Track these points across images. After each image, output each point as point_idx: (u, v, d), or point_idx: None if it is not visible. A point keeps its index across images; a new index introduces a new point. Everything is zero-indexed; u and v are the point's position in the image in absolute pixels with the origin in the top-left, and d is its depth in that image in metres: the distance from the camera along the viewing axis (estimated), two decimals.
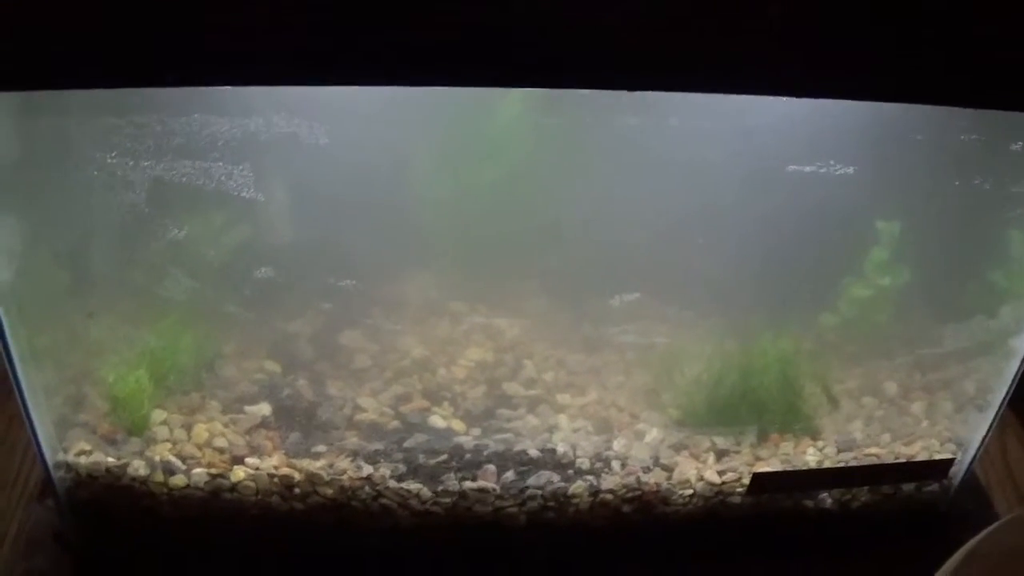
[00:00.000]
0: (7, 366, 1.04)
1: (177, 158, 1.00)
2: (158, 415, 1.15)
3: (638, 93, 0.93)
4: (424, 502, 1.14)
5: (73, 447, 1.13)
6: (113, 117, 0.97)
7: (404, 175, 1.07)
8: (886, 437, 1.24)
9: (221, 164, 1.01)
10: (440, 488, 1.14)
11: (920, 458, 1.23)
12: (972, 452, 1.26)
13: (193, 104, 0.97)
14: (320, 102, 0.98)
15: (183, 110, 0.97)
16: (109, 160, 1.00)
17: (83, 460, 1.12)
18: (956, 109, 1.01)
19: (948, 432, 1.26)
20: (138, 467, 1.12)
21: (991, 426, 1.24)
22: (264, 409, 1.16)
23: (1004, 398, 1.22)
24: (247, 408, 1.16)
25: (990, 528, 1.01)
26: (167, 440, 1.14)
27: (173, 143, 0.99)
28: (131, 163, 1.00)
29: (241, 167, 1.01)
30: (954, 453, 1.24)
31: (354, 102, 0.98)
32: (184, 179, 1.01)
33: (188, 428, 1.15)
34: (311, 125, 0.99)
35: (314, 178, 1.04)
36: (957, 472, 1.26)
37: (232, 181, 1.01)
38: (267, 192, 1.02)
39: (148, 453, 1.13)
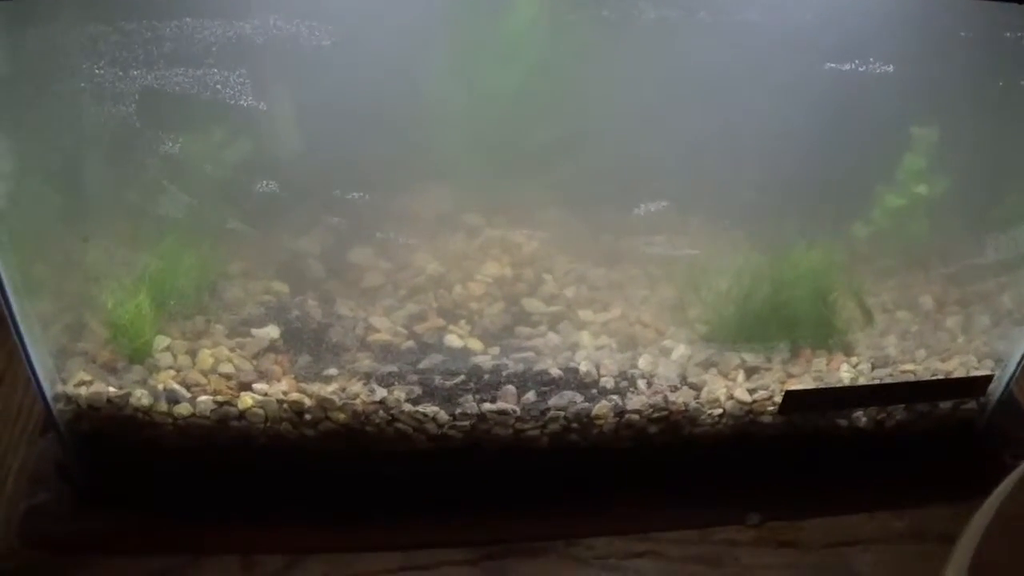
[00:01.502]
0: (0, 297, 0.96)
1: (169, 66, 0.93)
2: (161, 341, 1.08)
3: None
4: (441, 426, 1.07)
5: (72, 378, 1.05)
6: (99, 24, 0.90)
7: (414, 80, 0.98)
8: (921, 353, 1.17)
9: (216, 71, 0.93)
10: (458, 411, 1.06)
11: (957, 375, 1.16)
12: (1011, 369, 1.19)
13: (184, 6, 0.89)
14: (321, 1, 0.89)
15: (173, 13, 0.89)
16: (97, 71, 0.92)
17: (83, 391, 1.05)
18: (1004, 4, 0.93)
19: (986, 348, 1.18)
20: (141, 396, 1.05)
21: None
22: (272, 332, 1.09)
23: None
24: (254, 331, 1.09)
25: None
26: (171, 367, 1.07)
27: (164, 49, 0.92)
28: (120, 73, 0.92)
29: (237, 73, 0.93)
30: (992, 370, 1.16)
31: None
32: (177, 88, 0.93)
33: (192, 354, 1.08)
34: (312, 25, 0.90)
35: (317, 84, 0.96)
36: (995, 389, 1.19)
37: (228, 89, 0.94)
38: (267, 100, 0.94)
39: (151, 381, 1.06)
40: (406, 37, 0.95)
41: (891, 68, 0.96)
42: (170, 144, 0.97)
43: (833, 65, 0.95)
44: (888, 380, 1.14)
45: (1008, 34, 0.98)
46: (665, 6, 0.90)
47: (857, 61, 0.95)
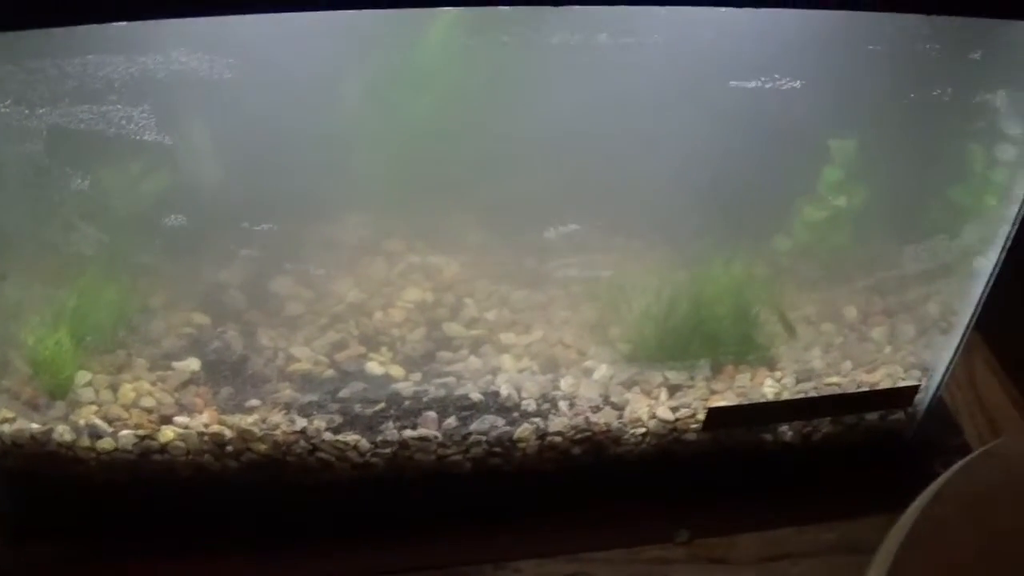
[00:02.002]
0: None
1: (75, 103, 0.91)
2: (82, 376, 1.07)
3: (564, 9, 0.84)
4: (363, 454, 1.06)
5: None
6: (4, 63, 0.88)
7: (325, 109, 0.97)
8: (847, 365, 1.16)
9: (120, 107, 0.91)
10: (379, 439, 1.06)
11: (883, 386, 1.16)
12: (938, 378, 1.18)
13: (87, 44, 0.88)
14: (223, 34, 0.88)
15: (77, 51, 0.88)
16: (3, 109, 0.90)
17: (7, 428, 1.04)
18: (910, 17, 0.93)
19: (912, 358, 1.18)
20: (63, 432, 1.04)
21: (957, 351, 1.17)
22: (193, 364, 1.07)
23: (969, 321, 1.15)
24: (175, 364, 1.08)
25: (958, 464, 0.93)
26: (92, 402, 1.06)
27: (69, 87, 0.90)
28: (27, 111, 0.90)
29: (141, 109, 0.91)
30: (919, 380, 1.17)
31: (260, 32, 0.89)
32: (83, 125, 0.92)
33: (114, 388, 1.07)
34: (213, 59, 0.89)
35: (225, 116, 0.95)
36: (923, 399, 1.18)
37: (133, 124, 0.92)
38: (173, 134, 0.93)
39: (73, 417, 1.05)
40: (313, 66, 0.93)
41: (798, 84, 0.95)
42: (79, 180, 0.95)
43: (737, 83, 0.94)
44: (812, 394, 1.13)
45: (918, 46, 0.97)
46: (565, 31, 0.90)
47: (763, 78, 0.95)
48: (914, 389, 1.16)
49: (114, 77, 0.90)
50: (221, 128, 0.96)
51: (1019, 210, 1.07)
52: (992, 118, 1.04)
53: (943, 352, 1.18)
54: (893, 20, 0.95)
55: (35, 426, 1.04)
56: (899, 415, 1.19)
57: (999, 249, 1.09)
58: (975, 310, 1.14)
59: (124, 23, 0.84)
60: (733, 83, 0.94)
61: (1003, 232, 1.09)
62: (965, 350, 1.19)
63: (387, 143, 1.01)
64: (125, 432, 1.04)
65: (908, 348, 1.18)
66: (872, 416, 1.17)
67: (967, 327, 1.15)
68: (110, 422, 1.05)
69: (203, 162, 0.97)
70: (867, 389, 1.15)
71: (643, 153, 1.01)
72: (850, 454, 1.19)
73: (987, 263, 1.11)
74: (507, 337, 1.12)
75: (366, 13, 0.85)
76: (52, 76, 0.89)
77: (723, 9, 0.88)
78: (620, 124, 0.99)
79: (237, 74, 0.90)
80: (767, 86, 0.95)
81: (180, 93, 0.91)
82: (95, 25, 0.85)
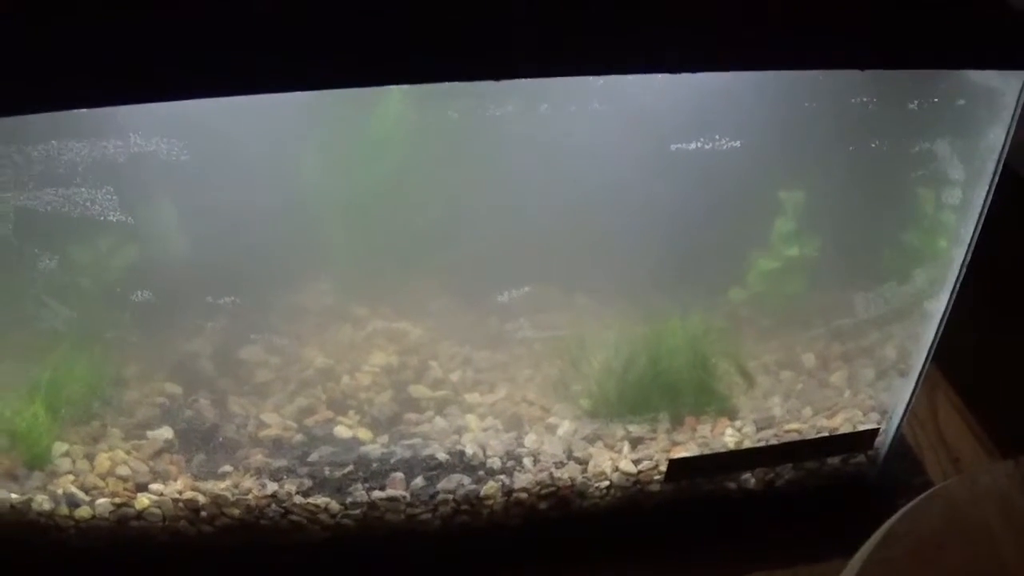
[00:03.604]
0: None
1: (40, 186, 0.92)
2: (59, 447, 1.07)
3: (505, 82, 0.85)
4: (334, 515, 1.06)
5: None
6: None
7: (282, 183, 0.98)
8: (807, 411, 1.17)
9: (84, 189, 0.92)
10: (349, 500, 1.06)
11: (843, 430, 1.16)
12: (897, 419, 1.19)
13: (49, 130, 0.89)
14: (177, 117, 0.89)
15: (40, 137, 0.89)
16: None
17: None
18: (843, 73, 0.95)
19: (871, 401, 1.18)
20: (42, 501, 1.05)
21: (914, 392, 1.17)
22: (166, 433, 1.08)
23: (924, 362, 1.15)
24: (149, 433, 1.08)
25: (906, 507, 0.94)
26: (69, 472, 1.07)
27: (34, 171, 0.91)
28: None
29: (104, 190, 0.92)
30: (878, 422, 1.17)
31: (213, 112, 0.90)
32: (49, 207, 0.92)
33: (91, 458, 1.07)
34: (170, 141, 0.90)
35: (185, 195, 0.96)
36: (883, 441, 1.19)
37: (97, 205, 0.93)
38: (136, 214, 0.94)
39: (51, 487, 1.05)
40: (272, 143, 0.94)
41: (738, 144, 0.96)
42: (47, 260, 0.96)
43: (678, 145, 0.95)
44: (773, 441, 1.14)
45: (853, 100, 0.98)
46: (506, 103, 0.91)
47: (703, 139, 0.95)
48: (874, 432, 1.17)
49: (77, 161, 0.91)
50: (182, 206, 0.96)
51: (966, 251, 1.07)
52: (935, 165, 1.04)
53: (901, 394, 1.18)
54: (828, 76, 0.96)
55: (14, 496, 1.04)
56: (860, 458, 1.19)
57: (949, 290, 1.10)
58: (929, 350, 1.14)
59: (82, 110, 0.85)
60: (674, 146, 0.95)
61: (952, 273, 1.09)
62: (927, 388, 1.20)
63: (346, 214, 1.02)
64: (102, 500, 1.05)
65: (867, 391, 1.19)
66: (834, 460, 1.17)
67: (923, 368, 1.15)
68: (87, 491, 1.05)
69: (166, 239, 0.98)
70: (827, 434, 1.15)
71: (594, 215, 1.02)
72: (814, 498, 1.19)
73: (938, 304, 1.12)
74: (472, 397, 1.12)
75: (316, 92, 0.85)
76: (17, 161, 0.90)
77: (658, 75, 0.89)
78: (568, 188, 1.00)
79: (194, 155, 0.90)
80: (707, 147, 0.95)
81: (140, 175, 0.92)
82: (54, 112, 0.86)
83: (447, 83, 0.86)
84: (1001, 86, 0.98)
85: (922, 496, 0.95)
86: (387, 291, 1.11)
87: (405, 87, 0.90)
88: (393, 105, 0.95)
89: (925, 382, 1.17)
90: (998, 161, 1.03)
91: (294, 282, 1.07)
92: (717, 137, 0.96)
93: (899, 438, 1.22)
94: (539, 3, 0.84)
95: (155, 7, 0.80)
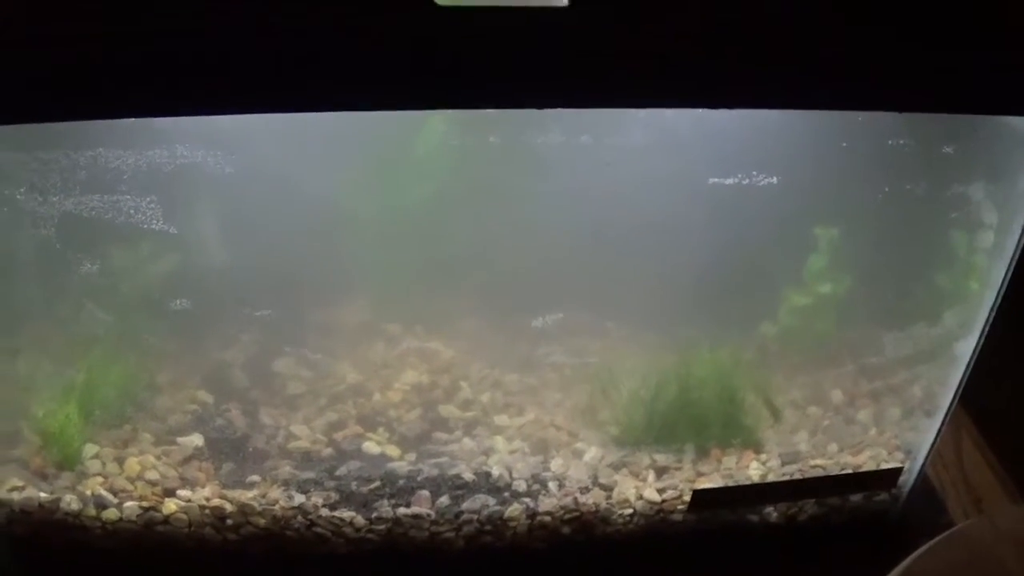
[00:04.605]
0: None
1: (85, 192, 0.92)
2: (90, 449, 1.07)
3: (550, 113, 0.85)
4: (358, 530, 1.06)
5: (6, 483, 1.05)
6: (19, 153, 0.89)
7: (323, 200, 0.98)
8: (833, 447, 1.15)
9: (129, 197, 0.93)
10: (374, 515, 1.06)
11: (867, 467, 1.15)
12: (921, 460, 1.17)
13: (97, 138, 0.89)
14: (223, 130, 0.90)
15: (87, 144, 0.90)
16: (18, 196, 0.92)
17: (16, 496, 1.05)
18: (881, 114, 0.94)
19: (896, 440, 1.17)
20: (71, 501, 1.05)
21: (939, 432, 1.15)
22: (196, 440, 1.08)
23: (951, 403, 1.14)
24: (179, 439, 1.08)
25: (925, 546, 0.93)
26: (99, 474, 1.07)
27: (80, 177, 0.91)
28: (40, 199, 0.91)
29: (148, 199, 0.93)
30: (902, 461, 1.16)
31: (259, 127, 0.90)
32: (93, 213, 0.93)
33: (120, 461, 1.07)
34: (215, 154, 0.91)
35: (227, 207, 0.96)
36: (906, 480, 1.17)
37: (140, 214, 0.93)
38: (179, 223, 0.94)
39: (80, 488, 1.05)
40: (315, 160, 0.95)
41: (775, 180, 0.95)
42: (89, 265, 0.96)
43: (716, 180, 0.94)
44: (797, 476, 1.12)
45: (891, 142, 0.98)
46: (548, 131, 0.90)
47: (741, 175, 0.95)
48: (897, 471, 1.16)
49: (123, 169, 0.91)
50: (224, 218, 0.97)
51: (998, 293, 1.06)
52: (969, 208, 1.04)
53: (926, 434, 1.17)
54: (865, 118, 0.96)
55: (43, 495, 1.05)
56: (883, 496, 1.18)
57: (979, 333, 1.09)
58: (956, 392, 1.13)
59: (132, 119, 0.85)
60: (712, 180, 0.94)
61: (982, 316, 1.08)
62: (952, 428, 1.18)
63: (385, 233, 1.02)
64: (130, 503, 1.05)
65: (893, 430, 1.18)
66: (856, 497, 1.16)
67: (949, 409, 1.14)
68: (115, 493, 1.05)
69: (207, 250, 0.98)
70: (851, 471, 1.14)
71: (630, 244, 1.01)
72: (835, 534, 1.17)
73: (967, 346, 1.11)
74: (500, 419, 1.12)
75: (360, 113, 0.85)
76: (64, 167, 0.91)
77: (699, 110, 0.88)
78: (605, 217, 1.00)
79: (237, 167, 0.91)
80: (744, 183, 0.95)
81: (185, 185, 0.92)
82: (104, 120, 0.86)
83: (488, 109, 0.86)
84: None
85: (941, 536, 0.94)
86: (421, 311, 1.10)
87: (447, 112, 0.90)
88: (436, 128, 0.95)
89: (952, 424, 1.16)
90: None
91: (330, 298, 1.08)
92: (755, 173, 0.96)
93: (923, 477, 1.20)
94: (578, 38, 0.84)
95: (206, 23, 0.79)
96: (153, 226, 0.94)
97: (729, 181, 0.95)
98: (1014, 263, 1.05)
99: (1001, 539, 0.96)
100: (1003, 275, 1.06)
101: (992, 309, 1.08)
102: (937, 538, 0.94)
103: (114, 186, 0.92)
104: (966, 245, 1.07)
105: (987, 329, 1.09)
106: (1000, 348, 1.11)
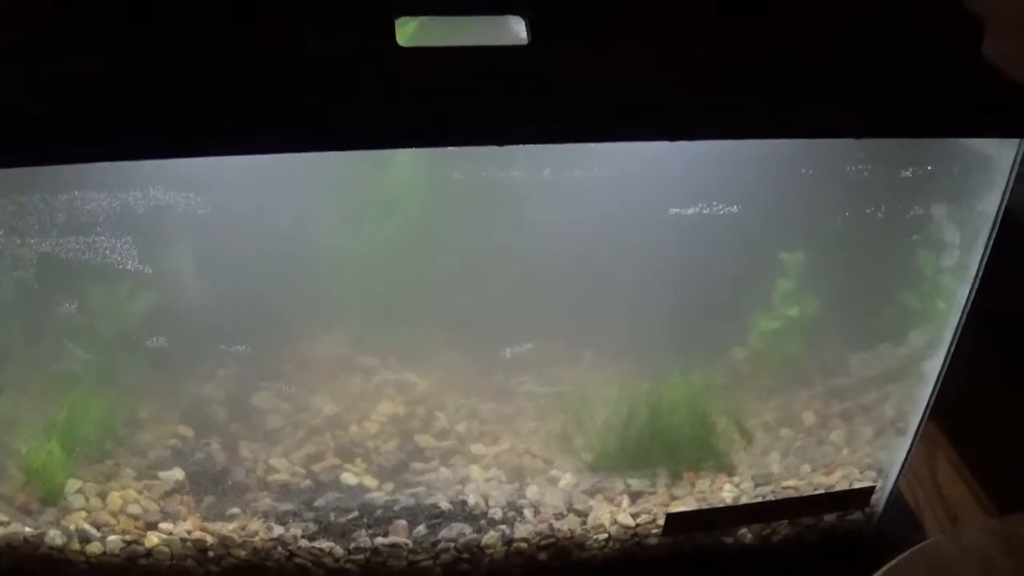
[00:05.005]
0: None
1: (62, 234, 0.93)
2: (73, 484, 1.09)
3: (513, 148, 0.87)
4: (337, 560, 1.07)
5: None
6: None
7: (295, 239, 1.00)
8: (805, 468, 1.17)
9: (105, 238, 0.94)
10: (352, 545, 1.07)
11: (840, 487, 1.16)
12: (893, 478, 1.19)
13: (73, 181, 0.91)
14: (195, 173, 0.91)
15: (63, 187, 0.91)
16: None
17: (1, 531, 1.06)
18: (839, 141, 0.96)
19: (869, 459, 1.18)
20: (55, 536, 1.06)
21: (910, 450, 1.17)
22: (177, 474, 1.09)
23: (920, 421, 1.15)
24: (160, 474, 1.09)
25: (893, 562, 0.94)
26: (82, 508, 1.08)
27: (57, 219, 0.92)
28: (18, 240, 0.93)
29: (124, 240, 0.94)
30: (875, 480, 1.17)
31: (231, 169, 0.91)
32: (71, 254, 0.94)
33: (103, 496, 1.08)
34: (188, 196, 0.92)
35: (201, 247, 0.97)
36: (879, 499, 1.19)
37: (116, 254, 0.95)
38: (154, 263, 0.96)
39: (64, 522, 1.06)
40: (285, 199, 0.96)
41: (735, 208, 0.97)
42: (67, 304, 0.98)
43: (677, 210, 0.96)
44: (770, 497, 1.14)
45: (849, 168, 0.99)
46: (510, 166, 0.92)
47: (701, 204, 0.96)
48: (870, 490, 1.17)
49: (98, 211, 0.92)
50: (198, 257, 0.98)
51: (963, 311, 1.08)
52: (930, 229, 1.05)
53: (898, 452, 1.18)
54: (823, 144, 0.98)
55: (28, 529, 1.06)
56: (857, 515, 1.19)
57: (945, 350, 1.10)
58: (926, 409, 1.15)
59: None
60: (673, 210, 0.96)
61: (948, 334, 1.10)
62: (927, 446, 1.20)
63: (358, 269, 1.03)
64: (113, 537, 1.06)
65: (865, 449, 1.19)
66: (830, 517, 1.17)
67: (919, 426, 1.16)
68: (99, 527, 1.06)
69: (182, 289, 1.00)
70: (824, 491, 1.15)
71: (598, 275, 1.03)
72: (810, 554, 1.19)
73: (935, 364, 1.12)
74: (476, 448, 1.13)
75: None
76: (41, 209, 0.92)
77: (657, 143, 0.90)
78: (573, 248, 1.01)
79: (210, 208, 0.92)
80: (705, 211, 0.96)
81: (159, 226, 0.94)
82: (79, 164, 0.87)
83: (453, 147, 0.88)
84: (996, 153, 0.99)
85: (908, 552, 0.96)
86: (396, 343, 1.11)
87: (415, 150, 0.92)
88: (404, 165, 0.97)
89: (925, 441, 1.18)
90: (993, 225, 1.03)
91: (306, 332, 1.09)
92: (715, 203, 0.97)
93: (896, 496, 1.22)
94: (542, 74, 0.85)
95: (177, 70, 0.81)
96: (129, 266, 0.95)
97: (690, 211, 0.96)
98: (978, 281, 1.06)
99: (966, 555, 0.98)
100: (967, 293, 1.07)
101: (958, 327, 1.09)
102: (903, 554, 0.95)
103: (90, 228, 0.93)
104: (930, 265, 1.09)
105: (953, 347, 1.10)
106: (970, 365, 1.12)
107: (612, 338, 1.09)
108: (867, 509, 1.19)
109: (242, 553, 1.06)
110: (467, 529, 1.08)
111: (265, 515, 1.06)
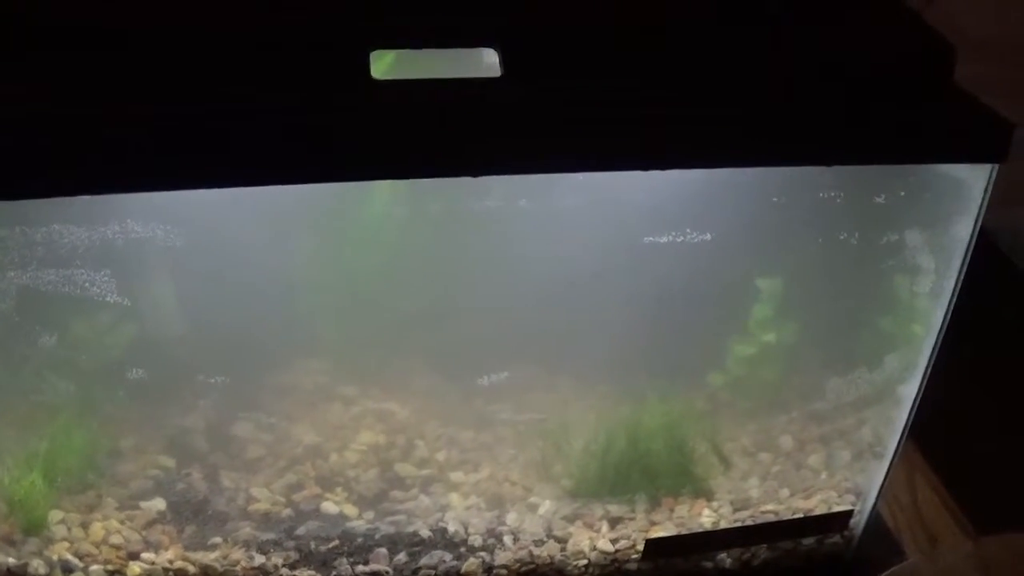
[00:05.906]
0: None
1: (41, 267, 0.93)
2: (55, 515, 1.08)
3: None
4: None
5: None
6: None
7: (277, 269, 1.00)
8: (784, 492, 1.17)
9: (83, 271, 0.94)
10: (334, 573, 1.07)
11: (818, 511, 1.16)
12: (871, 501, 1.18)
13: (51, 215, 0.91)
14: (172, 205, 0.91)
15: (42, 221, 0.91)
16: None
17: None
18: (811, 169, 0.97)
19: (847, 482, 1.18)
20: (38, 566, 1.05)
21: (887, 473, 1.17)
22: (159, 504, 1.08)
23: (898, 444, 1.16)
24: (142, 504, 1.08)
25: None
26: (65, 539, 1.07)
27: (36, 253, 0.92)
28: None
29: (103, 272, 0.94)
30: (853, 503, 1.17)
31: (210, 202, 0.91)
32: (50, 287, 0.94)
33: (85, 526, 1.08)
34: (165, 228, 0.92)
35: (179, 278, 0.97)
36: (858, 522, 1.19)
37: (95, 287, 0.95)
38: (133, 295, 0.96)
39: (47, 552, 1.05)
40: (262, 231, 0.96)
41: (708, 236, 0.97)
42: (47, 337, 0.98)
43: (651, 239, 0.96)
44: (749, 522, 1.14)
45: (821, 194, 1.00)
46: (486, 197, 0.92)
47: (675, 233, 0.97)
48: (848, 513, 1.17)
49: (77, 244, 0.92)
50: (177, 289, 0.98)
51: (937, 336, 1.08)
52: (904, 254, 1.06)
53: (876, 475, 1.18)
54: (794, 172, 0.98)
55: (11, 560, 1.05)
56: (836, 538, 1.19)
57: (921, 374, 1.11)
58: (903, 433, 1.15)
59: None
60: (647, 239, 0.96)
61: (924, 358, 1.11)
62: (906, 469, 1.20)
63: (337, 299, 1.03)
64: (95, 567, 1.05)
65: (843, 473, 1.19)
66: (809, 540, 1.17)
67: (896, 450, 1.16)
68: (81, 558, 1.06)
69: (161, 320, 0.99)
70: (802, 515, 1.15)
71: (575, 303, 1.03)
72: None
73: (911, 388, 1.13)
74: (456, 476, 1.13)
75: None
76: (20, 243, 0.92)
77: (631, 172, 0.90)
78: (550, 277, 1.01)
79: (187, 240, 0.92)
80: (679, 240, 0.97)
81: (138, 258, 0.94)
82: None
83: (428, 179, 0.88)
84: (968, 177, 1.00)
85: (884, 573, 0.95)
86: (376, 373, 1.11)
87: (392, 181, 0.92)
88: (382, 196, 0.97)
89: (905, 464, 1.18)
90: (967, 249, 1.04)
91: (286, 363, 1.09)
92: (688, 231, 0.98)
93: (875, 518, 1.21)
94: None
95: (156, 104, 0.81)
96: (108, 298, 0.95)
97: (664, 239, 0.96)
98: (952, 305, 1.07)
99: None
100: (942, 317, 1.07)
101: (934, 350, 1.10)
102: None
103: (69, 260, 0.93)
104: (905, 290, 1.09)
105: (929, 370, 1.11)
106: (949, 388, 1.12)
107: (590, 365, 1.10)
108: (846, 532, 1.19)
109: None
110: (447, 556, 1.08)
111: (247, 544, 1.06)
